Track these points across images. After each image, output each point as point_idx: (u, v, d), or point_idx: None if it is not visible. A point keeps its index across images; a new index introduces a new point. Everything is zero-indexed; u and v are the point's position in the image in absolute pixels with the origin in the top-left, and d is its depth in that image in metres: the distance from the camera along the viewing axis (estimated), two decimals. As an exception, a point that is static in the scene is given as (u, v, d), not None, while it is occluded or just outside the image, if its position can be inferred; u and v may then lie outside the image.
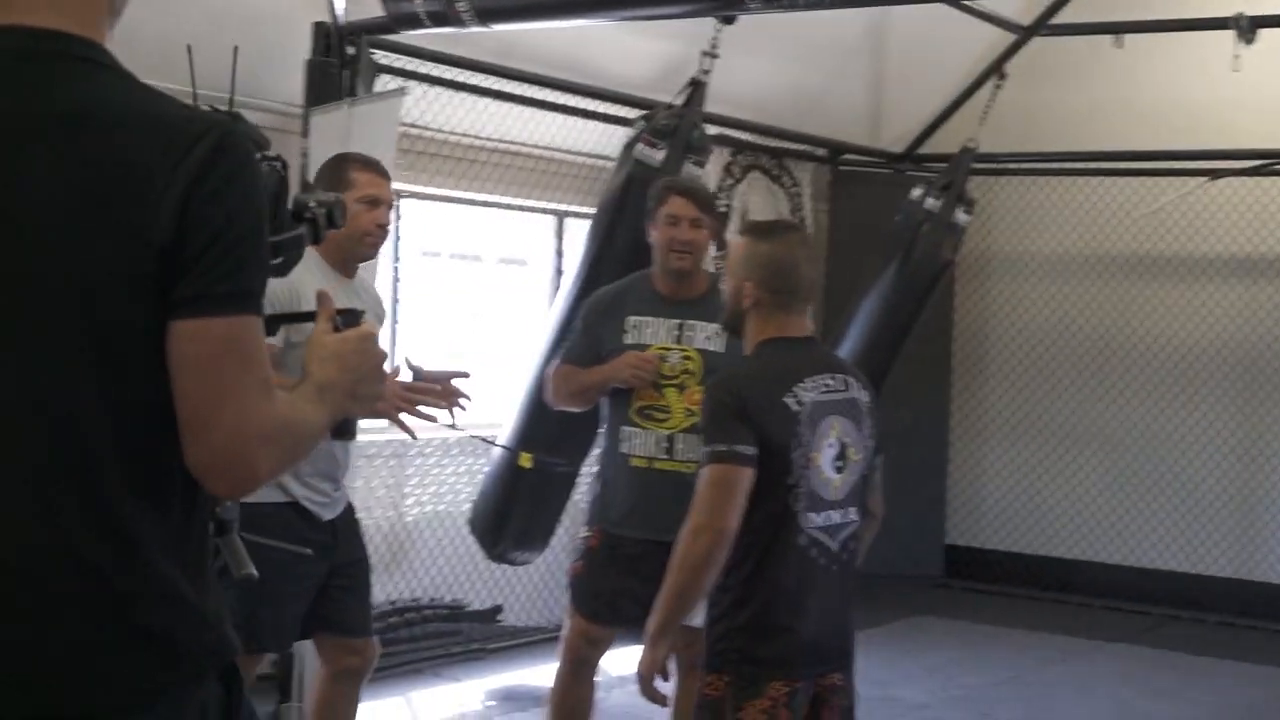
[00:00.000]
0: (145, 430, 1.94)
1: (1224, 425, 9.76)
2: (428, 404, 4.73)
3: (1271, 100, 9.11)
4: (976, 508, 10.57)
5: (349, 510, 4.90)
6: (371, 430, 6.51)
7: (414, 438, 4.86)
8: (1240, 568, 9.67)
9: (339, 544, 4.80)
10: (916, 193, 9.19)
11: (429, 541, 7.69)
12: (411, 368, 4.98)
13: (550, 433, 6.55)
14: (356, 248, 4.80)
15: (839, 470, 3.85)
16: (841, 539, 3.87)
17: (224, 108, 2.20)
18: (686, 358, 5.13)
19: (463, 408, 4.96)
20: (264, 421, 1.97)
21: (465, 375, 5.01)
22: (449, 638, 7.75)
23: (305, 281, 4.58)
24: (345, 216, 2.50)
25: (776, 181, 9.86)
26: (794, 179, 9.99)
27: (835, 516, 3.85)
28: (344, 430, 2.29)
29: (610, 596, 5.22)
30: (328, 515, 4.75)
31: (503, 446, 6.80)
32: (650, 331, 5.20)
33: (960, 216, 9.25)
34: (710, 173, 8.99)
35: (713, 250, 5.27)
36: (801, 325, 3.97)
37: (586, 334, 5.32)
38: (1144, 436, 10.01)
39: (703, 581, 3.75)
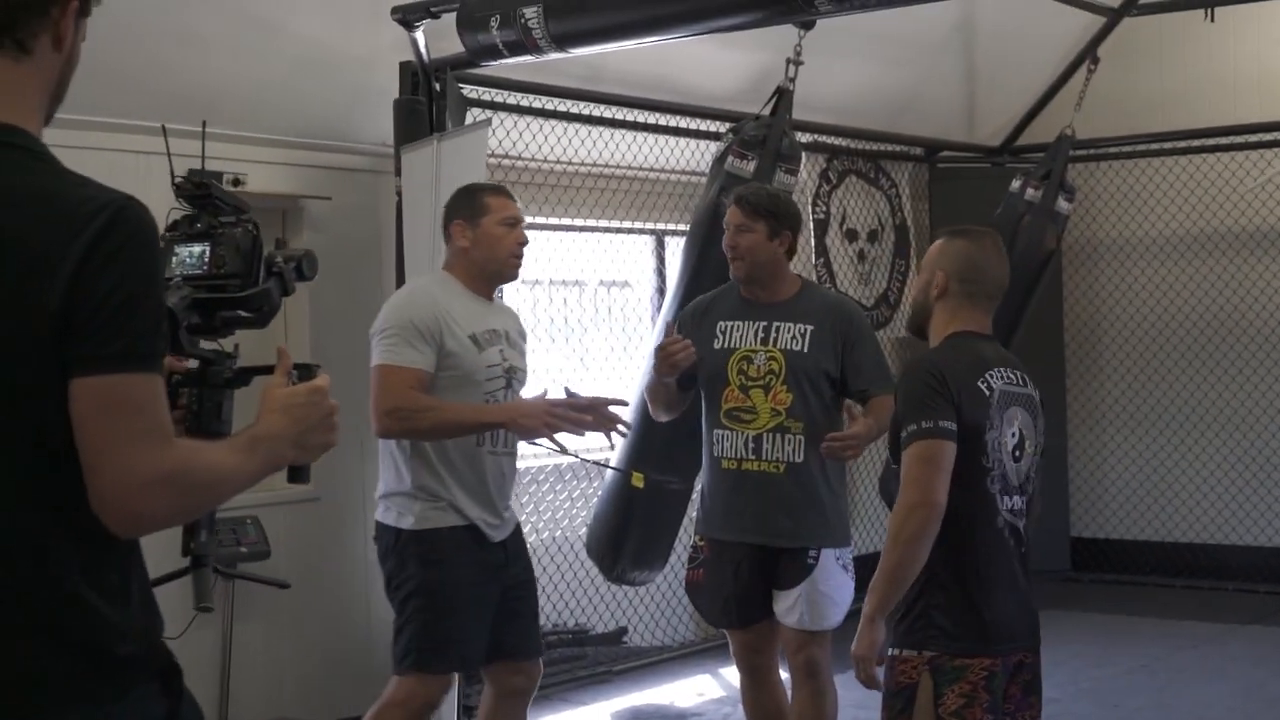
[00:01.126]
0: (60, 469, 2.13)
1: (1348, 397, 9.58)
2: (579, 423, 4.87)
3: (1372, 63, 8.96)
4: (1099, 498, 10.45)
5: (517, 530, 5.07)
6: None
7: (566, 452, 4.99)
8: (1374, 541, 9.49)
9: (509, 565, 4.97)
10: (1016, 184, 9.16)
11: (549, 567, 7.75)
12: (568, 394, 5.10)
13: (660, 451, 6.57)
14: (502, 270, 5.03)
15: (1017, 459, 3.98)
16: (1024, 523, 4.00)
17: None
18: (771, 358, 5.20)
19: (622, 434, 5.13)
20: (150, 468, 2.14)
21: (623, 403, 5.16)
22: (574, 662, 7.80)
23: (453, 308, 4.84)
24: (314, 268, 2.72)
25: (874, 184, 9.85)
26: (891, 180, 9.98)
27: (1019, 501, 3.98)
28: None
29: (728, 602, 5.31)
30: (499, 537, 4.91)
31: (614, 468, 6.84)
32: (738, 335, 5.28)
33: (1062, 205, 9.20)
34: (805, 180, 9.01)
35: (775, 251, 5.27)
36: (985, 324, 4.11)
37: None
38: (1266, 414, 9.85)
39: (919, 557, 3.83)
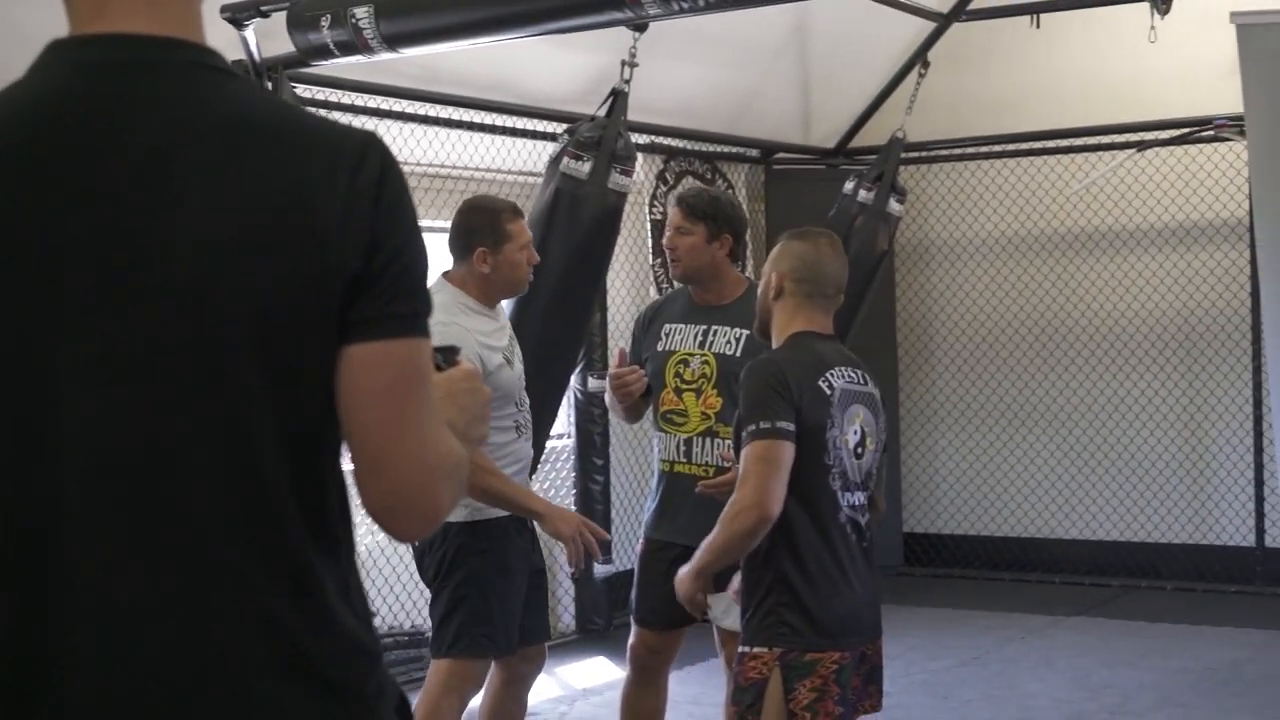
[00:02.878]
0: (315, 468, 1.79)
1: (1168, 393, 9.85)
2: (595, 552, 5.12)
3: (1190, 69, 9.21)
4: (931, 494, 10.65)
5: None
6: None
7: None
8: (1194, 533, 9.77)
9: (533, 550, 5.18)
10: (849, 186, 9.27)
11: (384, 568, 7.70)
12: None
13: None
14: (518, 289, 5.26)
15: (859, 456, 4.07)
16: (866, 519, 4.11)
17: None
18: (705, 362, 5.27)
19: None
20: (444, 453, 1.83)
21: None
22: (412, 664, 7.75)
23: (481, 331, 4.99)
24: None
25: (710, 185, 9.92)
26: (728, 181, 10.06)
27: (860, 497, 4.08)
28: None
29: (656, 602, 5.31)
30: (530, 523, 5.13)
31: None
32: (679, 338, 5.36)
33: (893, 206, 9.33)
34: (643, 180, 9.08)
35: (715, 253, 5.33)
36: (825, 324, 4.19)
37: (632, 348, 5.55)
38: (1090, 410, 10.11)
39: (744, 548, 4.01)
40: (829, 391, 4.02)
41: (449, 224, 8.14)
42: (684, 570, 4.18)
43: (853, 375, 4.12)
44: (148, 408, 1.73)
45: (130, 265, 1.73)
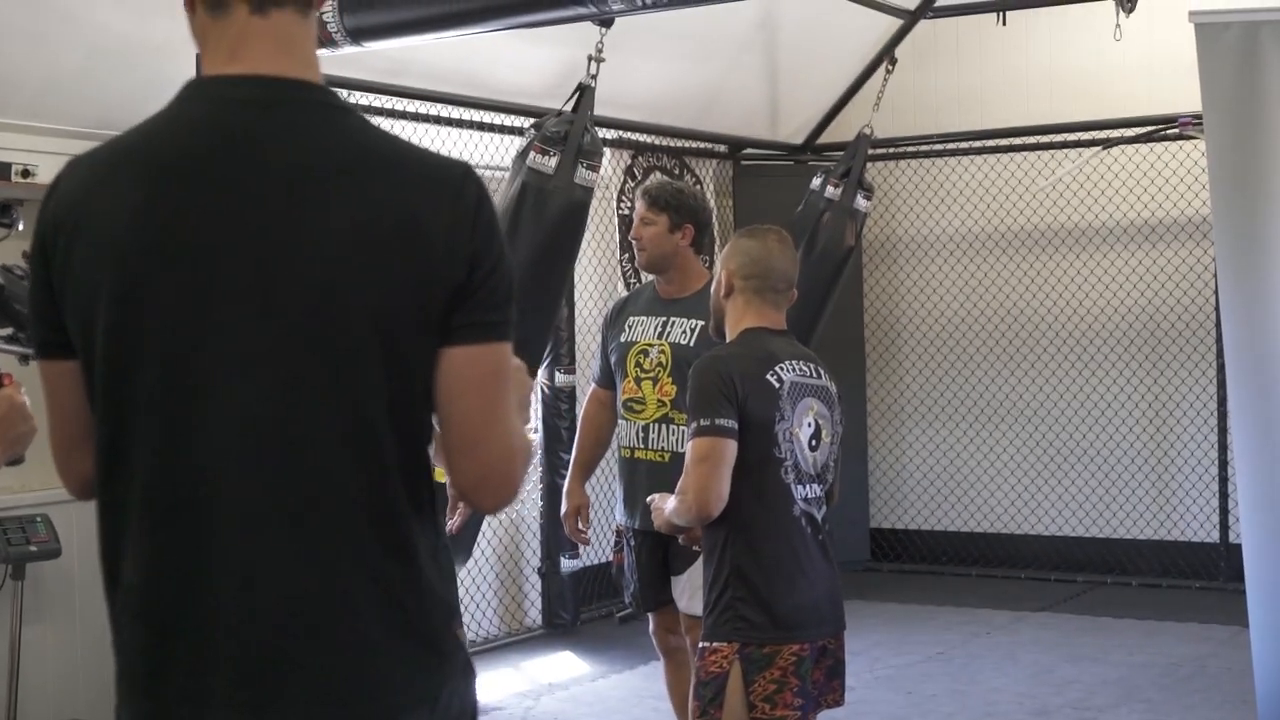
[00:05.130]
0: (418, 451, 2.12)
1: (1134, 389, 9.90)
2: None
3: (1156, 67, 9.24)
4: (898, 490, 10.68)
5: None
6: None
7: None
8: (1159, 529, 9.82)
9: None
10: (816, 182, 9.27)
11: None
12: None
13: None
14: None
15: (813, 448, 4.11)
16: (822, 512, 4.14)
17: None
18: (661, 352, 5.44)
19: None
20: (521, 438, 2.20)
21: None
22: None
23: None
24: None
25: (677, 180, 9.92)
26: (696, 177, 10.07)
27: (816, 489, 4.12)
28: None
29: (635, 586, 5.57)
30: None
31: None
32: (640, 329, 5.54)
33: (861, 202, 9.33)
34: (611, 176, 9.08)
35: (677, 243, 5.50)
36: (776, 319, 4.23)
37: (602, 350, 5.72)
38: (1057, 406, 10.14)
39: (694, 527, 4.13)
40: (778, 385, 4.06)
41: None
42: (666, 519, 4.22)
43: (804, 369, 4.15)
44: (284, 397, 2.04)
45: (268, 273, 2.04)
